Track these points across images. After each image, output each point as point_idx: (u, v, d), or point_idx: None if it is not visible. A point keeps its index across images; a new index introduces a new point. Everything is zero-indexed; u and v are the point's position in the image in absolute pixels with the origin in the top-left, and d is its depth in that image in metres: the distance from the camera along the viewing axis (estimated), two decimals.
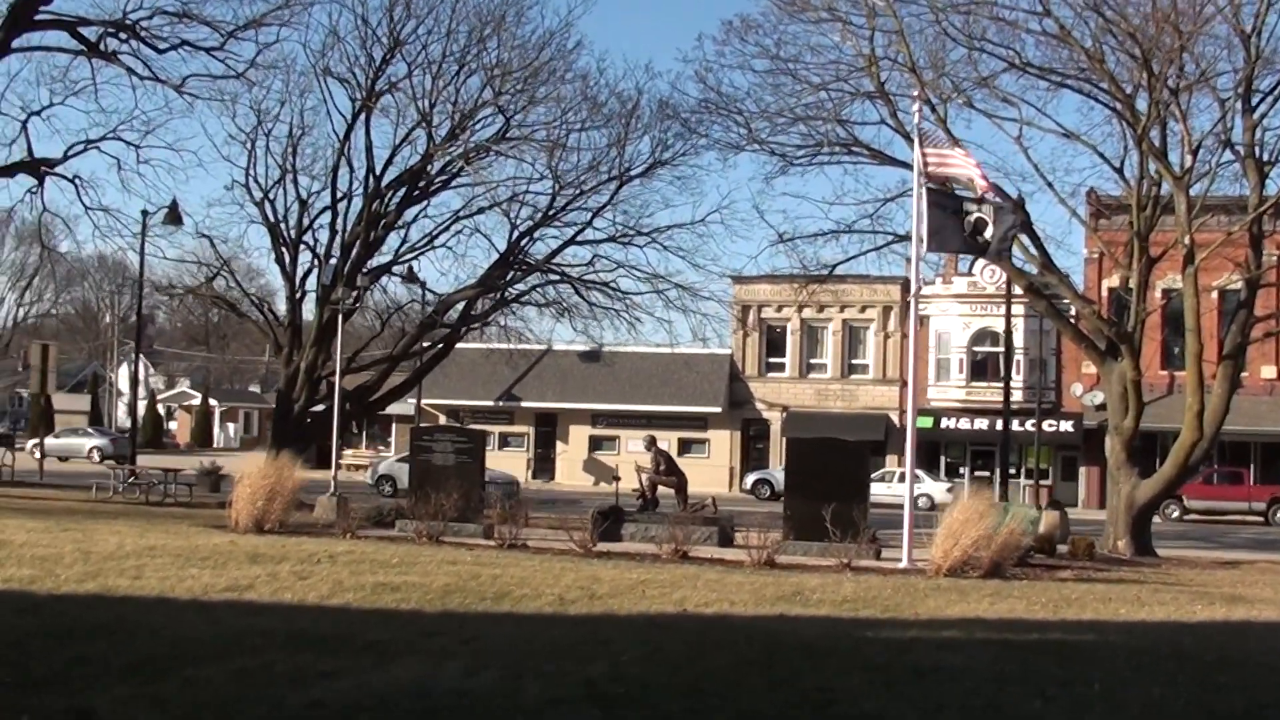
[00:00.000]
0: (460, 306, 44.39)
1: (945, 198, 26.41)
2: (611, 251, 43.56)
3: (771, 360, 70.56)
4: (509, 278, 43.85)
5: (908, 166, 29.73)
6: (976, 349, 65.15)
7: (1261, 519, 56.78)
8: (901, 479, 49.60)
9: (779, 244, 38.60)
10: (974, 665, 12.36)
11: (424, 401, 64.32)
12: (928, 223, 25.17)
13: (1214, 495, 57.57)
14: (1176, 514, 55.69)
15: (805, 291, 42.03)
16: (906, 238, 36.64)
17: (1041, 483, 58.00)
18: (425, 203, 43.73)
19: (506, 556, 23.36)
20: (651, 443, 31.19)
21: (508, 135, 40.91)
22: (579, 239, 43.32)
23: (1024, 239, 35.29)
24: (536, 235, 43.65)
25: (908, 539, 24.68)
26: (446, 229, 43.04)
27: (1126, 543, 33.24)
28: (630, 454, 68.88)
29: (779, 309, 68.32)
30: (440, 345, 46.69)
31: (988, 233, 24.88)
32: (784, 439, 52.31)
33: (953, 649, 13.53)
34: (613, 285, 43.43)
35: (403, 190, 42.27)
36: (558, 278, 43.90)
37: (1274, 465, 62.37)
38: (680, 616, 15.63)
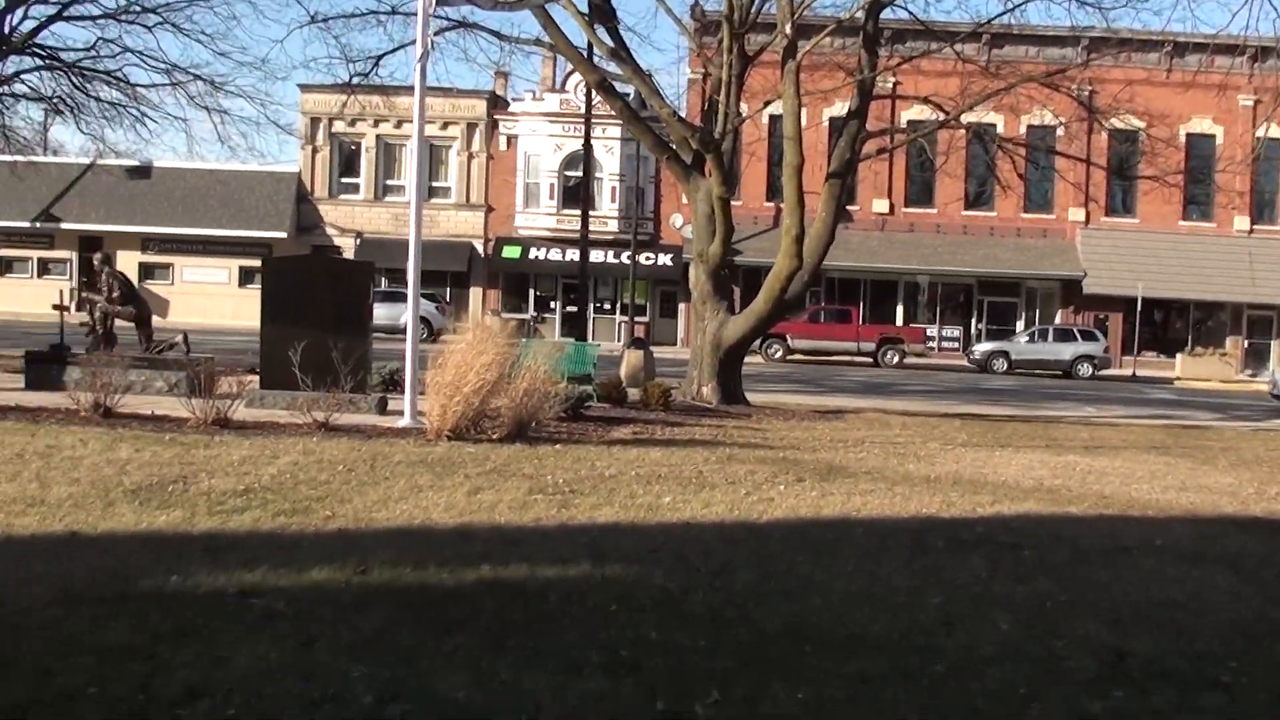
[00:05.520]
0: None
1: None
2: (121, 35, 35.54)
3: (345, 181, 62.13)
4: None
5: None
6: (569, 173, 58.49)
7: (871, 360, 53.03)
8: None
9: (310, 25, 31.88)
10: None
11: None
12: None
13: (821, 334, 53.04)
14: (780, 354, 51.46)
15: (355, 97, 35.32)
16: (467, 25, 30.75)
17: (638, 320, 52.97)
18: None
19: None
20: (104, 262, 24.17)
21: None
22: (73, 16, 35.07)
23: (599, 29, 29.58)
24: (30, 13, 35.28)
25: (409, 390, 18.65)
26: None
27: (712, 388, 27.96)
28: (185, 284, 61.35)
29: (352, 123, 59.46)
30: None
31: None
32: None
33: (251, 634, 7.17)
34: (119, 75, 35.56)
35: None
36: (53, 64, 35.68)
37: (885, 304, 59.37)
38: None
